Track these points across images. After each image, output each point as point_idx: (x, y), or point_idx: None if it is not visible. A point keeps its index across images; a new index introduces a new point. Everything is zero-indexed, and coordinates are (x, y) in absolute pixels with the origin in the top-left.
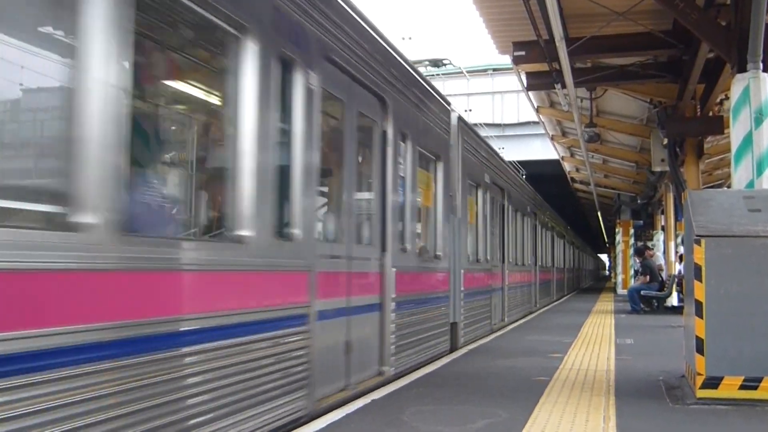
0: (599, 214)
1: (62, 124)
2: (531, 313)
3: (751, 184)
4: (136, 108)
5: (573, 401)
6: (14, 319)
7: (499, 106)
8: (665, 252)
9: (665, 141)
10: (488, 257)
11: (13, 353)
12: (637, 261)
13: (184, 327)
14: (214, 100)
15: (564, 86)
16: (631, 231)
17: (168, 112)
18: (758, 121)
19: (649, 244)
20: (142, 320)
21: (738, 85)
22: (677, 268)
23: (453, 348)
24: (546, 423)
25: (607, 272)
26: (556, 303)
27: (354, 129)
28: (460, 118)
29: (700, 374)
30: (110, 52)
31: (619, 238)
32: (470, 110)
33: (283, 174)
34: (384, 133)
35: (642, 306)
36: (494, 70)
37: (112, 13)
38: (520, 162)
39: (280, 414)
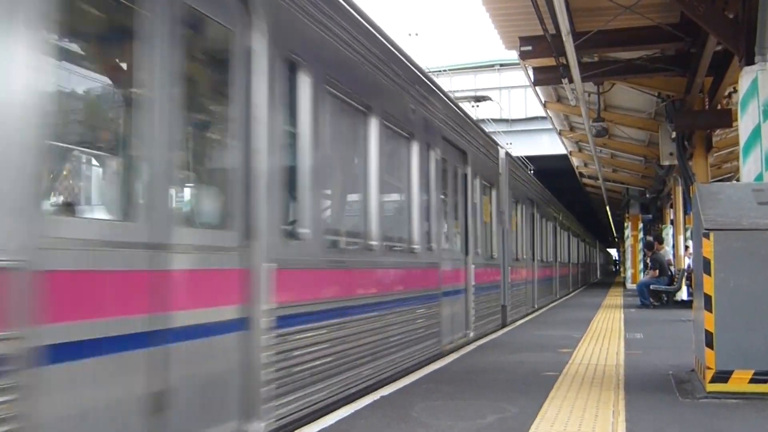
0: (608, 208)
1: None
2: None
3: (759, 177)
4: None
5: (582, 396)
6: None
7: (507, 102)
8: (674, 246)
9: (674, 134)
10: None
11: None
12: (647, 254)
13: None
14: None
15: (571, 81)
16: (640, 225)
17: None
18: (766, 113)
19: (663, 234)
20: None
21: (746, 77)
22: (686, 261)
23: None
24: (555, 417)
25: (613, 268)
26: (565, 298)
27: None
28: None
29: (709, 368)
30: None
31: (628, 232)
32: (477, 106)
33: None
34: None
35: (651, 300)
36: (501, 65)
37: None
38: (527, 157)
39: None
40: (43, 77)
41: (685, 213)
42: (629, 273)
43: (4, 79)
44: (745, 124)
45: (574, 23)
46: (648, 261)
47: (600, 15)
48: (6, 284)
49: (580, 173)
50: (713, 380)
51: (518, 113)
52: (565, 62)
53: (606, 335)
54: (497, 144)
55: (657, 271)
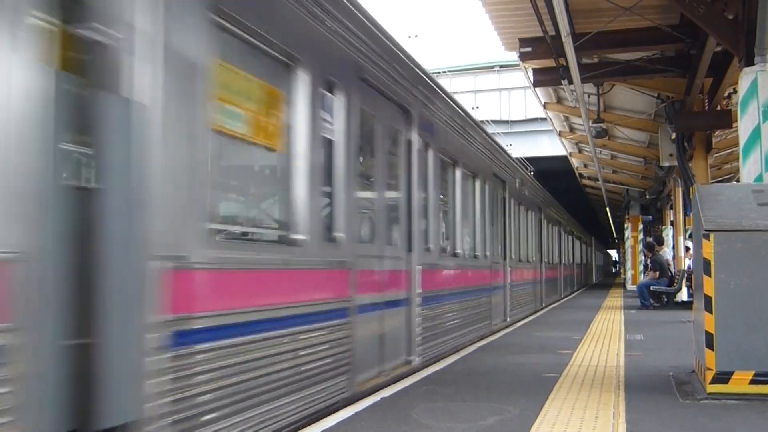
0: (608, 209)
1: None
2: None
3: (759, 178)
4: None
5: (583, 397)
6: None
7: (507, 103)
8: (674, 247)
9: (673, 136)
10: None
11: None
12: (647, 255)
13: None
14: None
15: (571, 82)
16: (640, 226)
17: None
18: (766, 114)
19: (663, 235)
20: None
21: (746, 78)
22: (687, 263)
23: None
24: (556, 419)
25: (613, 269)
26: (565, 299)
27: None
28: None
29: (710, 369)
30: None
31: (628, 233)
32: (477, 107)
33: None
34: None
35: (652, 301)
36: (501, 66)
37: None
38: (527, 158)
39: None
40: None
41: (685, 214)
42: (629, 274)
43: None
44: (744, 125)
45: (574, 24)
46: (648, 262)
47: (599, 16)
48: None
49: (580, 174)
50: (713, 381)
51: (518, 114)
52: (564, 63)
53: (606, 336)
54: None
55: (657, 272)
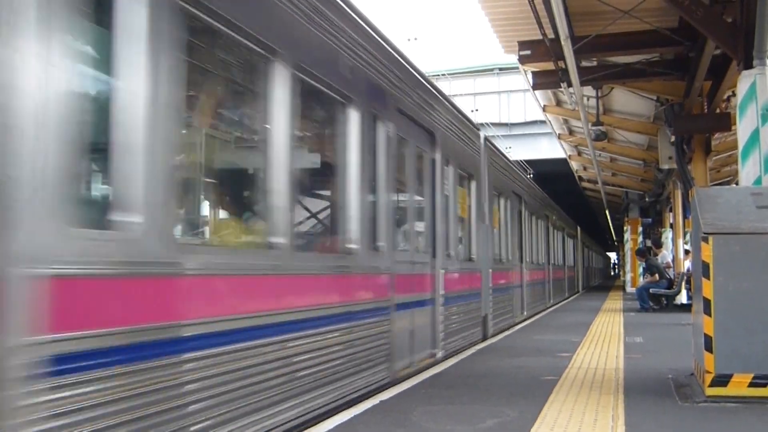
0: (607, 212)
1: None
2: None
3: (758, 181)
4: None
5: (582, 400)
6: None
7: (506, 105)
8: (674, 249)
9: (673, 138)
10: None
11: None
12: (641, 260)
13: None
14: None
15: (570, 85)
16: (640, 229)
17: None
18: (765, 117)
19: (662, 239)
20: None
21: (744, 81)
22: (686, 265)
23: None
24: (555, 422)
25: (612, 272)
26: (564, 301)
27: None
28: None
29: (709, 372)
30: None
31: (627, 236)
32: (477, 110)
33: None
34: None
35: (651, 304)
36: (500, 69)
37: None
38: (527, 161)
39: None
40: None
41: (685, 217)
42: (629, 277)
43: None
44: (743, 128)
45: (573, 28)
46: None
47: (598, 19)
48: None
49: (580, 177)
50: (712, 384)
51: (517, 117)
52: (563, 66)
53: (605, 339)
54: None
55: (657, 275)
